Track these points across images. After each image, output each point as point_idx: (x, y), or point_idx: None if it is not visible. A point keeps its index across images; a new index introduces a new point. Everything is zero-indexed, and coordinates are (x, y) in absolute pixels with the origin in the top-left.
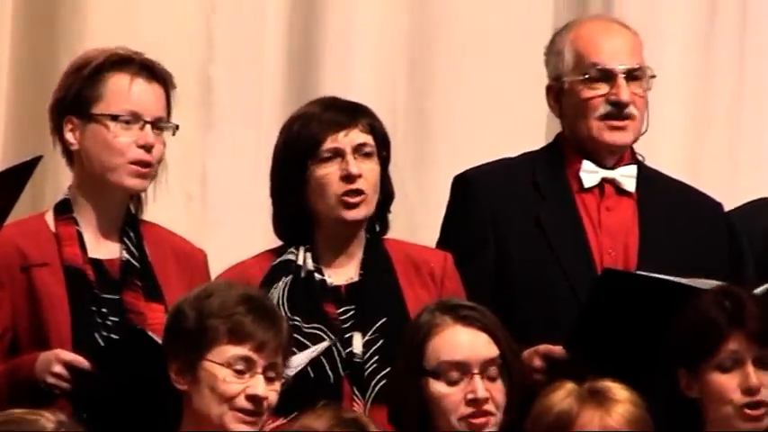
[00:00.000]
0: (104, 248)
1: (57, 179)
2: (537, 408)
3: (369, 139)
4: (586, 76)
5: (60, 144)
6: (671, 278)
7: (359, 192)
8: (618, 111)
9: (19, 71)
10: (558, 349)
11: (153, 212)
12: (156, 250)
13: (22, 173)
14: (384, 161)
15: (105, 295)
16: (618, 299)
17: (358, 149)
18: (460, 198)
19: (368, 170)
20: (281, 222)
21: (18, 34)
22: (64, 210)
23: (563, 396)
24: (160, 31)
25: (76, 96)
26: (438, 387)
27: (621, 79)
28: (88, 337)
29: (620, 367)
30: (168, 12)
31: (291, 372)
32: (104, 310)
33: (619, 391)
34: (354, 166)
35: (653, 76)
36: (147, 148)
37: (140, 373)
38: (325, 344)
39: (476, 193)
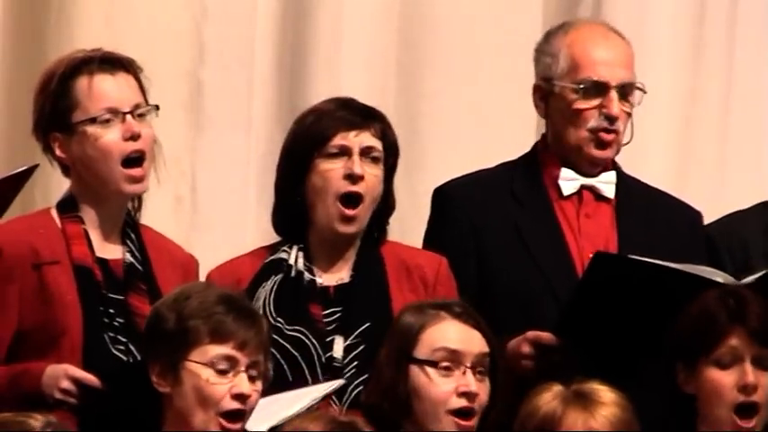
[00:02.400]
0: (108, 248)
1: (46, 183)
2: (524, 409)
3: (378, 144)
4: (581, 87)
5: (55, 161)
6: (663, 263)
7: (357, 199)
8: (609, 123)
9: (9, 80)
10: (546, 335)
11: (142, 215)
12: (155, 255)
13: (18, 181)
14: (390, 170)
15: (112, 295)
16: (609, 284)
17: (365, 152)
18: (440, 212)
19: (371, 175)
20: (280, 216)
21: (7, 43)
22: (69, 208)
23: (549, 398)
24: (150, 36)
25: (52, 112)
26: (430, 375)
27: (614, 93)
28: (98, 338)
29: (608, 354)
30: (158, 16)
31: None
32: (112, 310)
33: (604, 393)
34: (359, 166)
35: (644, 91)
36: (135, 138)
37: (145, 397)
38: (339, 382)
39: (454, 206)
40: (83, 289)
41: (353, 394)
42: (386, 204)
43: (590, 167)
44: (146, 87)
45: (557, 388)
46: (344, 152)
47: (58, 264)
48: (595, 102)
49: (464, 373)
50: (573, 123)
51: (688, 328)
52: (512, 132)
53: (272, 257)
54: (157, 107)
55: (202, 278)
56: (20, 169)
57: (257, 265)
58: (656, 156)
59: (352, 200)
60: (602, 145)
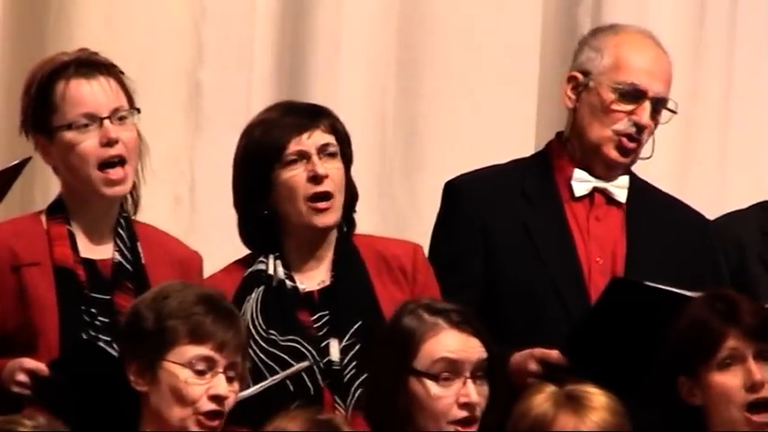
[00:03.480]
0: (98, 248)
1: (45, 181)
2: (517, 410)
3: (331, 138)
4: (620, 88)
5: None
6: (680, 291)
7: (327, 196)
8: (636, 131)
9: (8, 80)
10: (554, 353)
11: (141, 215)
12: (151, 253)
13: (11, 174)
14: (347, 160)
15: (95, 295)
16: (624, 308)
17: (322, 150)
18: (450, 206)
19: (333, 170)
20: (248, 230)
21: (6, 43)
22: (56, 210)
23: (541, 400)
24: (149, 36)
25: (33, 117)
26: (429, 388)
27: (648, 104)
28: (76, 338)
29: (615, 376)
30: (157, 17)
31: (256, 389)
32: (94, 310)
33: (596, 397)
34: (320, 166)
35: (674, 112)
36: (111, 144)
37: (98, 380)
38: (305, 364)
39: (465, 201)
40: (62, 290)
41: (356, 395)
42: (349, 194)
43: (604, 170)
44: (130, 89)
45: (549, 389)
46: (302, 156)
47: (38, 265)
48: (629, 107)
49: (464, 383)
50: (601, 121)
51: (682, 340)
52: (511, 132)
53: (251, 270)
54: (138, 110)
55: (206, 274)
56: (13, 163)
57: (236, 279)
58: (656, 156)
59: (321, 198)
60: (623, 151)
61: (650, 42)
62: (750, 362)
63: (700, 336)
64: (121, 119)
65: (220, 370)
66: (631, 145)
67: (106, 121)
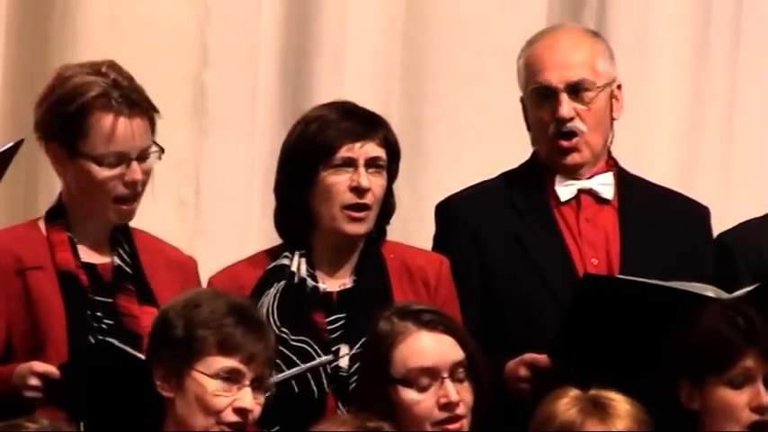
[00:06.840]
0: (96, 254)
1: (49, 182)
2: (540, 414)
3: (382, 153)
4: (533, 96)
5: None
6: (652, 281)
7: (364, 206)
8: (562, 127)
9: (12, 81)
10: (542, 358)
11: (146, 219)
12: (148, 258)
13: (4, 158)
14: (392, 175)
15: (98, 298)
16: (600, 305)
17: (371, 163)
18: (442, 225)
19: (377, 185)
20: (282, 219)
21: (11, 44)
22: (55, 216)
23: (567, 406)
24: (154, 38)
25: (62, 130)
26: (408, 394)
27: (562, 95)
28: (84, 340)
29: (604, 374)
30: (162, 20)
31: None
32: (99, 313)
33: (622, 404)
34: (365, 178)
35: (618, 86)
36: (134, 185)
37: (116, 381)
38: (326, 358)
39: (456, 219)
40: (67, 293)
41: None
42: (386, 206)
43: (571, 173)
44: (156, 124)
45: (573, 393)
46: (350, 163)
47: (42, 269)
48: (549, 108)
49: (442, 383)
50: (538, 132)
51: (696, 346)
52: (516, 137)
53: (275, 264)
54: (162, 149)
55: (203, 278)
56: (5, 147)
57: (258, 271)
58: (660, 158)
59: (358, 208)
60: (565, 151)
61: (555, 38)
62: (759, 383)
63: (716, 348)
64: (145, 158)
65: (247, 383)
66: (568, 143)
67: (134, 163)
